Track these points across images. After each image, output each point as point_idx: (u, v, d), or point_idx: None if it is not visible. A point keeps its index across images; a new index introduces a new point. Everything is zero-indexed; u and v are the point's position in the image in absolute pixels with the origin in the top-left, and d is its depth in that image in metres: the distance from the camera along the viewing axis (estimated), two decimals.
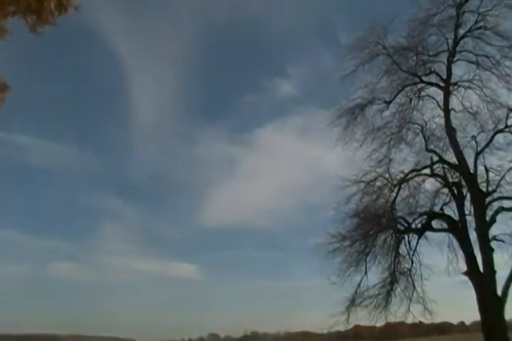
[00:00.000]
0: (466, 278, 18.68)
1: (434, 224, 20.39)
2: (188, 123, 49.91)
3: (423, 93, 21.26)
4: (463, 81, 20.67)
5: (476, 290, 18.09)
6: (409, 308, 19.67)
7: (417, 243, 20.32)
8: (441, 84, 20.57)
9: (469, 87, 20.65)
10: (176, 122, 47.69)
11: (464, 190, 19.96)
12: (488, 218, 19.08)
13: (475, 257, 18.59)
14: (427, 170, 20.76)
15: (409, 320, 20.44)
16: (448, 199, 20.60)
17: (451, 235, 20.37)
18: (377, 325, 21.27)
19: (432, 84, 20.95)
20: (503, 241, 18.82)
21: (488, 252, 18.41)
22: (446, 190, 20.66)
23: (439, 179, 20.77)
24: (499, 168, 19.98)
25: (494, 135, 19.98)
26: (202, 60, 45.06)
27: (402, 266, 20.20)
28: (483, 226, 18.89)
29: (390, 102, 21.20)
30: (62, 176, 46.10)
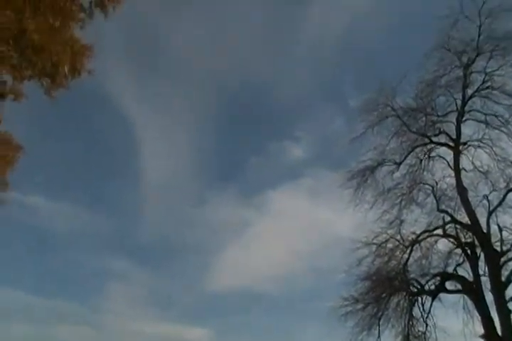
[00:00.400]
0: None
1: (448, 285, 20.11)
2: (199, 186, 50.95)
3: (433, 153, 21.27)
4: (473, 140, 20.69)
5: None
6: None
7: (431, 305, 20.05)
8: (451, 144, 20.55)
9: (479, 146, 20.65)
10: (186, 185, 48.55)
11: (478, 250, 19.71)
12: (503, 278, 18.75)
13: (492, 319, 18.21)
14: (439, 231, 20.57)
15: None
16: (461, 260, 20.32)
17: (465, 296, 20.00)
18: None
19: (441, 144, 20.94)
20: None
21: (505, 314, 17.98)
22: (459, 251, 20.38)
23: (452, 239, 20.53)
24: None
25: (507, 193, 19.75)
26: (212, 123, 45.78)
27: (416, 330, 19.91)
28: (499, 287, 18.56)
29: (400, 163, 21.23)
30: (72, 238, 46.83)
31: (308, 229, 43.36)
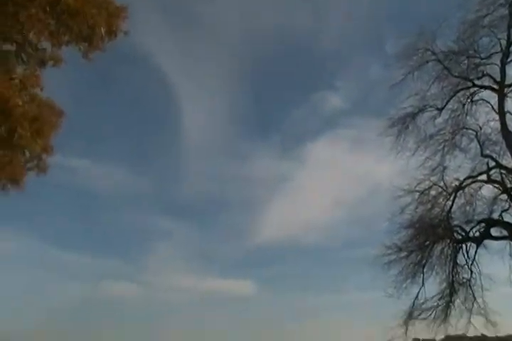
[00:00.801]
0: None
1: (493, 231, 19.93)
2: (237, 141, 50.43)
3: (476, 97, 20.50)
4: None
5: None
6: (470, 320, 19.48)
7: (476, 252, 20.07)
8: (495, 86, 19.73)
9: None
10: (225, 140, 48.09)
11: None
12: None
13: None
14: (484, 177, 20.22)
15: (471, 333, 20.06)
16: (507, 206, 19.90)
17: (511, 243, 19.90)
18: (437, 338, 21.01)
19: (485, 87, 20.14)
20: None
21: None
22: (504, 196, 19.96)
23: (497, 185, 20.12)
24: None
25: None
26: (250, 76, 44.61)
27: (461, 277, 20.06)
28: None
29: (442, 109, 20.60)
30: (116, 198, 47.47)
31: (349, 178, 43.43)
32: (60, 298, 39.41)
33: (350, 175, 42.74)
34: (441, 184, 20.65)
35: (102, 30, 9.62)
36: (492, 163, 19.94)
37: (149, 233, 45.99)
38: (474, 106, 20.61)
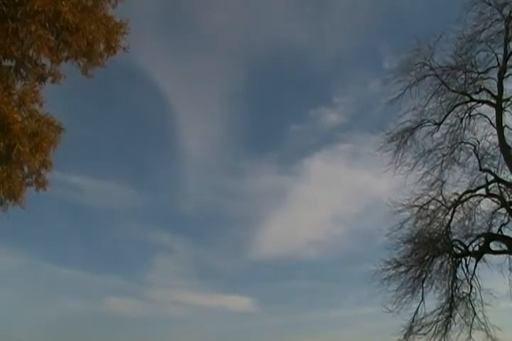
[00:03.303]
0: None
1: (493, 246, 19.83)
2: (236, 157, 50.56)
3: (474, 112, 20.57)
4: None
5: None
6: (470, 335, 19.30)
7: (476, 266, 19.94)
8: (493, 101, 19.82)
9: None
10: (224, 156, 48.18)
11: None
12: None
13: None
14: (482, 191, 20.18)
15: None
16: (506, 220, 19.87)
17: (511, 257, 19.85)
18: None
19: (483, 101, 20.24)
20: None
21: None
22: (503, 210, 19.94)
23: (496, 199, 20.09)
24: None
25: None
26: (247, 92, 44.79)
27: (461, 291, 19.92)
28: None
29: (440, 123, 20.68)
30: (115, 214, 47.39)
31: (348, 193, 43.29)
32: (59, 315, 39.00)
33: (348, 190, 42.67)
34: (440, 198, 20.64)
35: (101, 46, 9.73)
36: (491, 177, 19.96)
37: (149, 248, 45.70)
38: (472, 121, 20.69)
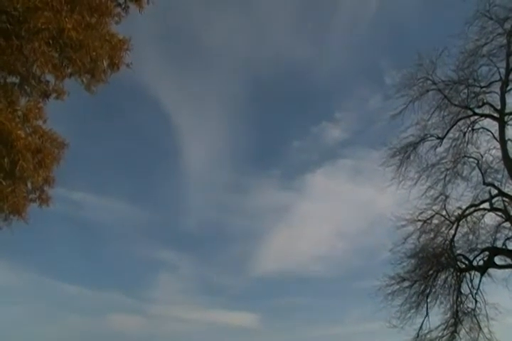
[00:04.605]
0: None
1: (497, 260, 19.73)
2: (238, 173, 50.56)
3: (477, 126, 20.60)
4: None
5: None
6: None
7: (480, 281, 19.83)
8: (496, 115, 19.83)
9: None
10: (226, 172, 48.19)
11: None
12: None
13: None
14: (486, 205, 20.08)
15: None
16: (510, 234, 19.80)
17: None
18: None
19: (485, 115, 20.23)
20: None
21: None
22: (507, 224, 19.81)
23: (500, 213, 19.98)
24: None
25: None
26: (249, 109, 45.01)
27: (466, 306, 19.76)
28: None
29: (443, 138, 20.68)
30: (118, 230, 47.31)
31: (351, 208, 43.23)
32: (61, 332, 38.77)
33: (351, 206, 42.61)
34: (444, 213, 20.56)
35: (105, 62, 9.78)
36: (494, 191, 19.87)
37: (152, 264, 45.59)
38: (475, 135, 20.73)
